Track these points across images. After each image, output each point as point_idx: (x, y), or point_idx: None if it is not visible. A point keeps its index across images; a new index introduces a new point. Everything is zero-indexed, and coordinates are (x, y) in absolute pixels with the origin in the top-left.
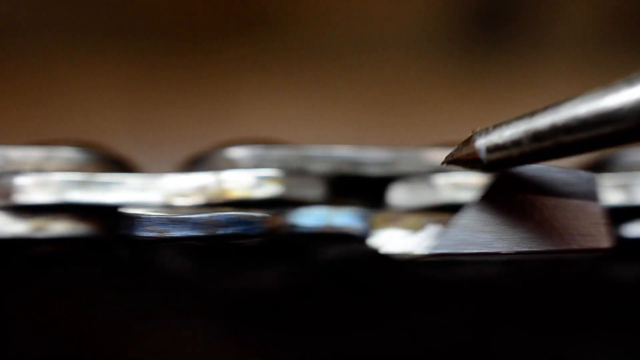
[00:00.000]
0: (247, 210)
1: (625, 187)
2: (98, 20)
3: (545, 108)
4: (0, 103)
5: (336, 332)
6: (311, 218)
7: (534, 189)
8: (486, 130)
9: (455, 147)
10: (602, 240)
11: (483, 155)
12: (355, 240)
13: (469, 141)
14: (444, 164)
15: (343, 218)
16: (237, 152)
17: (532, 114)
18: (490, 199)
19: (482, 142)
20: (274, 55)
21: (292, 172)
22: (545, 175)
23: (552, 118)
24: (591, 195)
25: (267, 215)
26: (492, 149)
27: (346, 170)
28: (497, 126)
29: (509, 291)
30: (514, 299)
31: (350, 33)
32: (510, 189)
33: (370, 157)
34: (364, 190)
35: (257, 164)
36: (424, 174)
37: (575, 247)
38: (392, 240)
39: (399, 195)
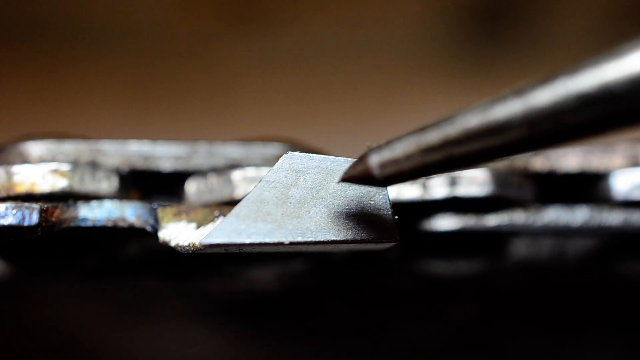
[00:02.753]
0: (34, 203)
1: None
2: (98, 20)
3: (436, 121)
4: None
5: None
6: (100, 211)
7: (318, 178)
8: (379, 146)
9: (351, 164)
10: (388, 233)
11: (377, 171)
12: (144, 234)
13: (363, 158)
14: (340, 182)
15: (132, 211)
16: (31, 147)
17: (423, 127)
18: (272, 187)
19: (375, 158)
20: (273, 55)
21: (82, 166)
22: (330, 165)
23: (443, 131)
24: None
25: (45, 207)
26: (386, 164)
27: (140, 164)
28: (390, 141)
29: (509, 291)
30: (514, 298)
31: (349, 33)
32: (293, 177)
33: (164, 151)
34: (161, 184)
35: (50, 158)
36: (219, 169)
37: (359, 238)
38: (179, 233)
39: (194, 190)
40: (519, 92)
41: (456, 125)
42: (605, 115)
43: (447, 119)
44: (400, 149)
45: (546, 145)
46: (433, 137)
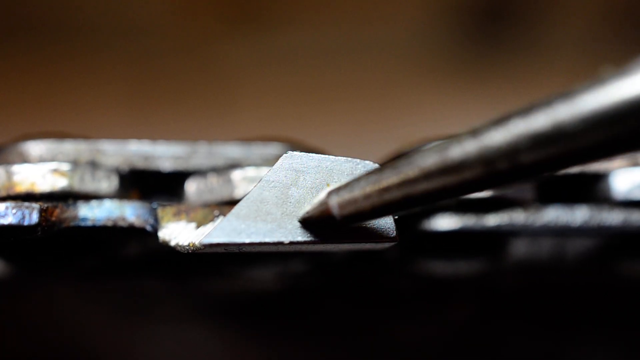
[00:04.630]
0: (34, 203)
1: None
2: (98, 20)
3: (393, 160)
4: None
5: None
6: (100, 211)
7: (318, 177)
8: (338, 188)
9: (311, 207)
10: (388, 233)
11: (336, 211)
12: (144, 234)
13: (324, 199)
14: (300, 221)
15: (132, 211)
16: (31, 146)
17: (381, 168)
18: (272, 187)
19: (334, 199)
20: (273, 54)
21: (82, 166)
22: (330, 165)
23: (400, 171)
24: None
25: (45, 206)
26: (345, 204)
27: (139, 164)
28: (348, 183)
29: (509, 291)
30: (514, 298)
31: (349, 33)
32: (293, 177)
33: (164, 151)
34: (161, 184)
35: (50, 158)
36: (219, 169)
37: (359, 238)
38: (179, 233)
39: (194, 189)
40: (475, 132)
41: (413, 165)
42: (559, 153)
43: (404, 158)
44: (358, 189)
45: (502, 183)
46: (391, 176)
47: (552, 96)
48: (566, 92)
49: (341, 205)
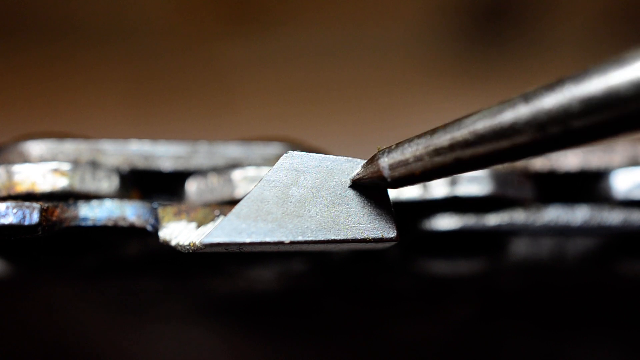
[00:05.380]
0: (35, 202)
1: None
2: (99, 20)
3: (445, 124)
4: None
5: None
6: (100, 211)
7: (319, 177)
8: (389, 148)
9: (363, 165)
10: (389, 233)
11: (387, 172)
12: (144, 233)
13: (373, 159)
14: (351, 184)
15: (133, 211)
16: (31, 146)
17: (433, 130)
18: (272, 187)
19: (385, 160)
20: (274, 54)
21: (82, 165)
22: (330, 164)
23: (452, 134)
24: (379, 185)
25: (46, 206)
26: (395, 166)
27: (140, 164)
28: (399, 144)
29: (509, 290)
30: (514, 298)
31: (350, 33)
32: (294, 176)
33: (165, 150)
34: (162, 184)
35: (51, 158)
36: (219, 168)
37: (360, 238)
38: (180, 233)
39: (195, 189)
40: (527, 96)
41: (465, 129)
42: (611, 119)
43: (456, 122)
44: (409, 151)
45: (553, 149)
46: (442, 139)
47: (605, 62)
48: (620, 58)
49: (392, 167)
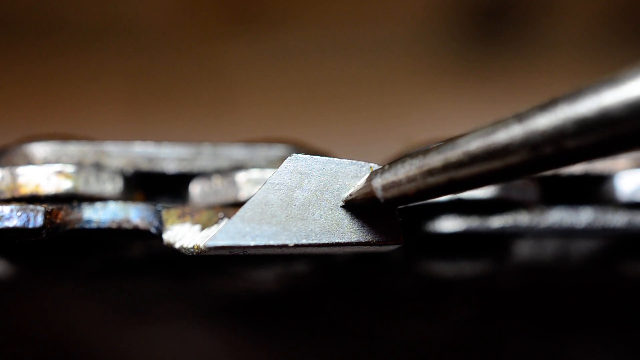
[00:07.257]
0: (39, 205)
1: None
2: (102, 22)
3: (438, 144)
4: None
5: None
6: (104, 213)
7: (323, 180)
8: (382, 169)
9: (355, 188)
10: (392, 235)
11: (380, 194)
12: (148, 236)
13: (366, 180)
14: (343, 204)
15: (137, 213)
16: (35, 148)
17: (426, 151)
18: (276, 190)
19: (378, 181)
20: (276, 55)
21: (86, 168)
22: (334, 167)
23: (445, 154)
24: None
25: (50, 208)
26: (388, 186)
27: (144, 166)
28: (392, 164)
29: (513, 292)
30: (518, 300)
31: (351, 33)
32: (298, 179)
33: (169, 152)
34: (165, 186)
35: (54, 160)
36: (223, 170)
37: (363, 240)
38: (184, 235)
39: (199, 191)
40: (520, 117)
41: (458, 149)
42: (605, 139)
43: (449, 142)
44: (402, 172)
45: (547, 168)
46: (435, 160)
47: (598, 82)
48: (612, 78)
49: (385, 188)
